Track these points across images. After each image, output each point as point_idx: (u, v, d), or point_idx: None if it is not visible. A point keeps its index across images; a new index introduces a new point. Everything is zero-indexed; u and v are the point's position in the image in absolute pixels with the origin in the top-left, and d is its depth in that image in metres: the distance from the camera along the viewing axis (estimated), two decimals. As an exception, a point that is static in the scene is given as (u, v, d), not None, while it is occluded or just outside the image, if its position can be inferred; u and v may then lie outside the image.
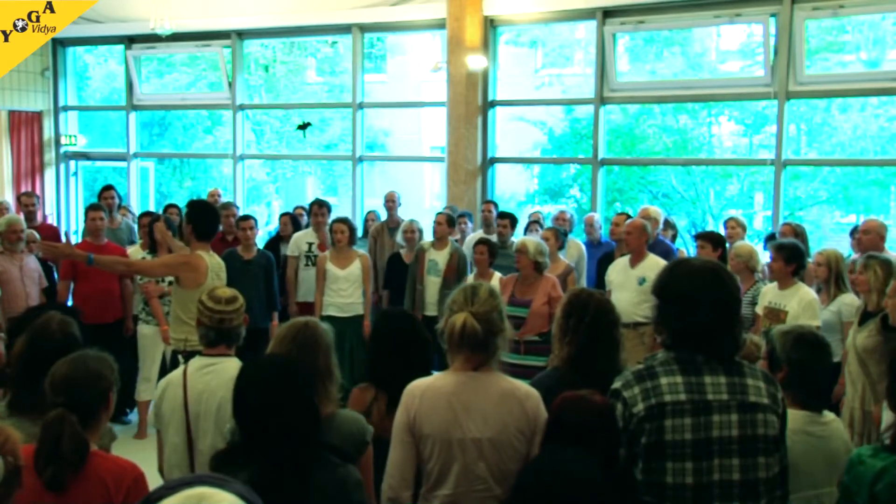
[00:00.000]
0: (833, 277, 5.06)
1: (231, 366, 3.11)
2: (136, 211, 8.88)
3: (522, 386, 2.64)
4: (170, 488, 1.37)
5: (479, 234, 7.20)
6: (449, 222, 6.80)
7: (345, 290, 6.52)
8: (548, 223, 7.44)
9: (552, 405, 2.33)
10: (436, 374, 2.65)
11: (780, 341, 2.90)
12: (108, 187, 8.11)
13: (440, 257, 6.70)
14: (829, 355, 2.91)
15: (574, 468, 2.06)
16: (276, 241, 7.62)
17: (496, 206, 7.65)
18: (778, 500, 2.31)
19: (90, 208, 6.66)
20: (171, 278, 5.14)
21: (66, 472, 2.28)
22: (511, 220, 6.92)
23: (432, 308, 6.68)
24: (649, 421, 2.18)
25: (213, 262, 4.80)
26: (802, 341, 2.85)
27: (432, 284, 6.68)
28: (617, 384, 2.29)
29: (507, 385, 2.60)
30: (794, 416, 2.75)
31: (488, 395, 2.55)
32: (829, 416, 2.91)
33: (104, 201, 7.63)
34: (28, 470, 2.29)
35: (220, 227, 7.23)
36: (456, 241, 7.65)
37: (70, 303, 6.28)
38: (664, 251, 6.24)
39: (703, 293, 2.25)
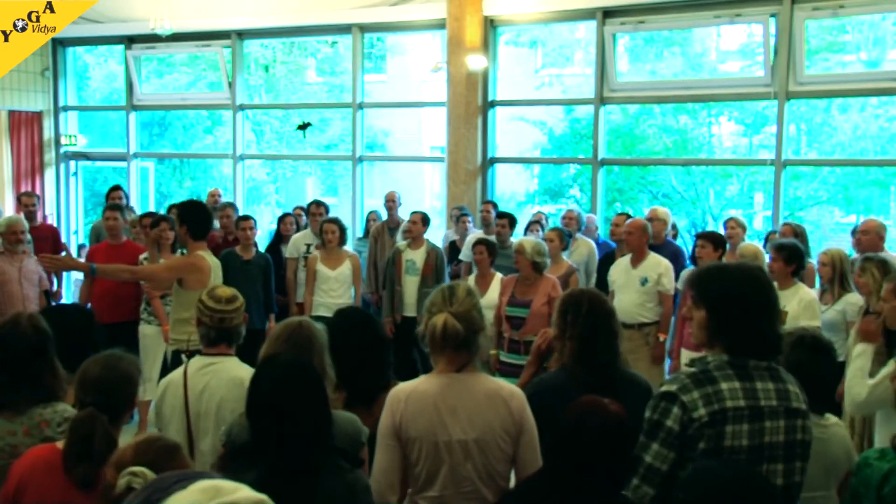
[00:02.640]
0: (837, 277, 5.07)
1: (231, 365, 3.12)
2: (139, 211, 8.90)
3: (507, 385, 2.64)
4: (173, 484, 1.35)
5: (479, 234, 7.20)
6: (423, 221, 6.82)
7: (335, 291, 6.54)
8: (556, 223, 7.43)
9: (569, 408, 2.28)
10: (420, 378, 2.65)
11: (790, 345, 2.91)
12: (116, 187, 8.16)
13: (417, 257, 6.73)
14: (831, 358, 2.90)
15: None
16: (277, 242, 7.61)
17: (495, 206, 7.65)
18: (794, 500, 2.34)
19: (107, 208, 6.69)
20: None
21: (98, 470, 2.28)
22: (510, 219, 6.92)
23: (411, 308, 6.71)
24: (712, 427, 2.16)
25: (211, 261, 4.80)
26: (802, 344, 2.85)
27: (411, 284, 6.71)
28: (672, 387, 2.23)
29: (492, 385, 2.61)
30: None
31: (473, 396, 2.56)
32: (831, 419, 2.90)
33: (112, 201, 7.63)
34: (55, 469, 2.30)
35: (219, 227, 7.30)
36: (454, 241, 7.68)
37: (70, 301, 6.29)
38: (673, 252, 6.25)
39: (761, 298, 2.26)
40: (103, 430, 2.32)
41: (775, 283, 5.03)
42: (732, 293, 2.27)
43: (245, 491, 1.29)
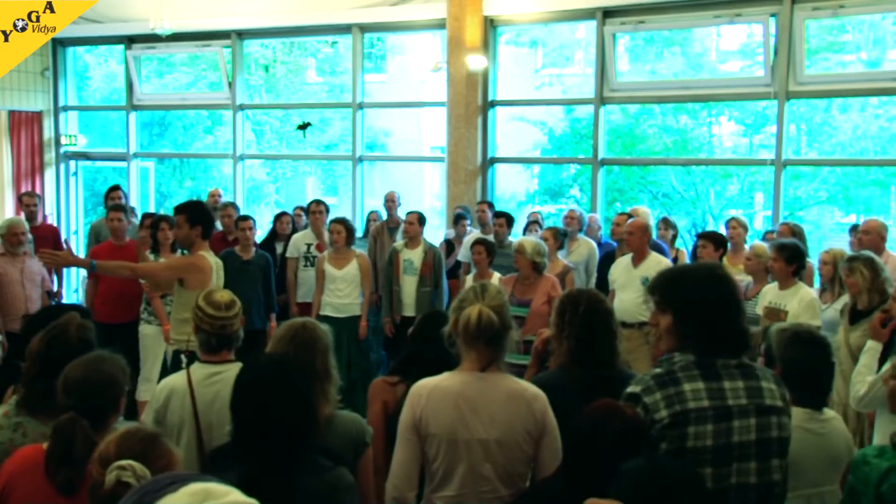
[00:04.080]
0: (837, 276, 5.08)
1: None
2: (139, 211, 8.90)
3: (530, 387, 2.63)
4: (165, 486, 1.35)
5: (476, 234, 7.20)
6: (420, 221, 6.82)
7: (342, 291, 6.54)
8: (557, 222, 7.44)
9: (586, 411, 2.27)
10: (443, 374, 2.63)
11: (775, 339, 2.91)
12: (116, 188, 8.15)
13: (415, 256, 6.74)
14: (826, 353, 2.90)
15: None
16: (272, 240, 7.61)
17: (491, 206, 7.65)
18: (780, 498, 2.32)
19: (111, 209, 6.69)
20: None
21: (80, 475, 2.26)
22: (507, 218, 6.94)
23: (409, 308, 6.73)
24: (673, 428, 2.16)
25: (213, 261, 4.79)
26: (797, 339, 2.86)
27: (409, 284, 6.73)
28: (636, 388, 2.24)
29: (515, 386, 2.59)
30: (793, 413, 2.76)
31: (496, 396, 2.55)
32: (829, 413, 2.91)
33: (111, 201, 7.63)
34: (38, 472, 2.29)
35: (221, 227, 7.30)
36: (450, 240, 7.68)
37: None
38: (656, 250, 6.25)
39: (726, 296, 2.26)
40: (84, 435, 2.28)
41: (776, 283, 5.09)
42: (696, 296, 2.27)
43: (235, 495, 1.29)
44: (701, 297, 2.26)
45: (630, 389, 2.25)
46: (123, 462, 1.85)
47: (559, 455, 2.55)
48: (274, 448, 2.20)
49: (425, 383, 2.59)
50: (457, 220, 7.70)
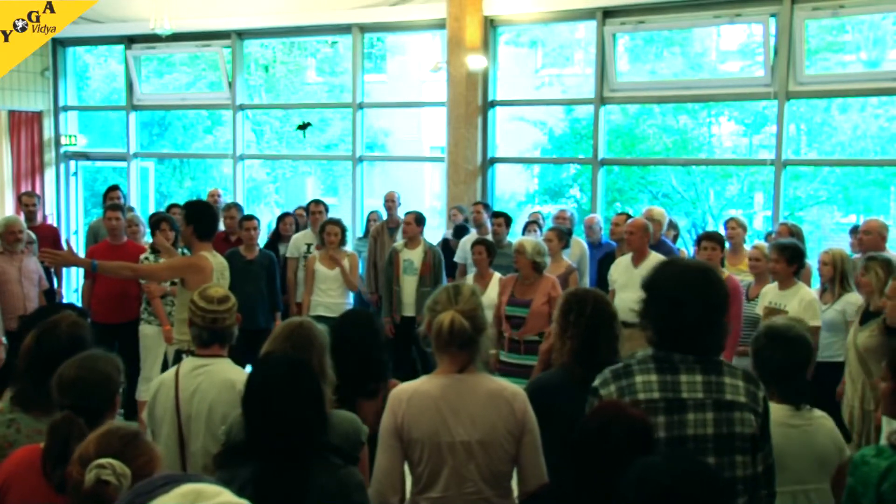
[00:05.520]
0: (838, 277, 5.08)
1: (222, 367, 3.10)
2: (138, 211, 8.90)
3: (509, 386, 2.64)
4: (157, 487, 1.35)
5: (473, 234, 7.19)
6: (418, 221, 6.83)
7: (333, 290, 6.58)
8: (548, 222, 7.43)
9: (592, 414, 2.25)
10: (421, 378, 2.65)
11: (756, 336, 2.98)
12: (114, 187, 8.15)
13: (415, 256, 6.77)
14: (800, 349, 2.91)
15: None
16: (275, 241, 7.63)
17: (486, 207, 7.65)
18: (764, 499, 2.31)
19: (108, 209, 6.69)
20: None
21: None
22: (506, 218, 6.95)
23: (410, 308, 6.75)
24: None
25: (216, 262, 4.77)
26: (770, 335, 2.91)
27: (409, 284, 6.75)
28: (596, 382, 2.30)
29: (494, 386, 2.61)
30: (774, 409, 2.77)
31: (475, 397, 2.56)
32: (816, 412, 2.91)
33: (110, 201, 7.63)
34: (35, 471, 2.29)
35: (223, 227, 7.31)
36: (448, 239, 7.67)
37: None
38: (667, 252, 6.24)
39: (690, 294, 2.25)
40: (80, 433, 2.27)
41: (776, 283, 5.08)
42: (660, 285, 2.30)
43: (227, 496, 1.30)
44: (667, 288, 2.29)
45: (593, 383, 2.30)
46: (103, 461, 1.85)
47: (540, 453, 2.57)
48: (287, 446, 2.22)
49: (405, 388, 2.61)
50: (457, 232, 7.59)
